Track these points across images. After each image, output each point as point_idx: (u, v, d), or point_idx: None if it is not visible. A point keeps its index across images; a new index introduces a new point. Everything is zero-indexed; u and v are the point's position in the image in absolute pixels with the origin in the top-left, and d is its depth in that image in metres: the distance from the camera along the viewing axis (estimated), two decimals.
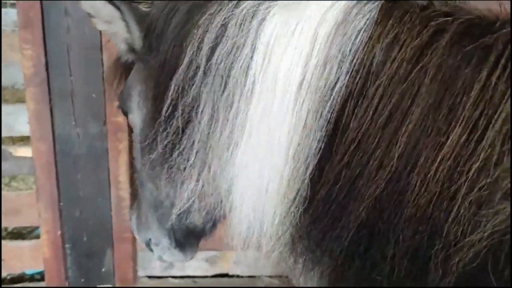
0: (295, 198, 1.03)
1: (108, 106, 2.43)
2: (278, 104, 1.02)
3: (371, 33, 0.96)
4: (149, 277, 3.07)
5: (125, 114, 1.52)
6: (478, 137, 0.85)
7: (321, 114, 0.98)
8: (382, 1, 1.00)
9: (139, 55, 1.32)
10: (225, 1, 1.09)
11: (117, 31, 1.32)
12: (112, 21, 1.29)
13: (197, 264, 3.05)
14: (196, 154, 1.15)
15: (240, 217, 1.14)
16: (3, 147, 2.76)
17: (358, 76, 0.95)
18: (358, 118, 0.94)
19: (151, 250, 1.67)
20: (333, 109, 0.97)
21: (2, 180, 3.88)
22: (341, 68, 0.96)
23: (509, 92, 0.84)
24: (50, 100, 2.40)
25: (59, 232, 2.67)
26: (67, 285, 2.82)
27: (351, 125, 0.95)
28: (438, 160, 0.87)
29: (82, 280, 2.81)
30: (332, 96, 0.97)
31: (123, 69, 1.50)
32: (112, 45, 2.29)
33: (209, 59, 1.08)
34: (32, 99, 2.37)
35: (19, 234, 3.24)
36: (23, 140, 3.18)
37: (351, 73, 0.95)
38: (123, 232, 2.74)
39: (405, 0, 1.01)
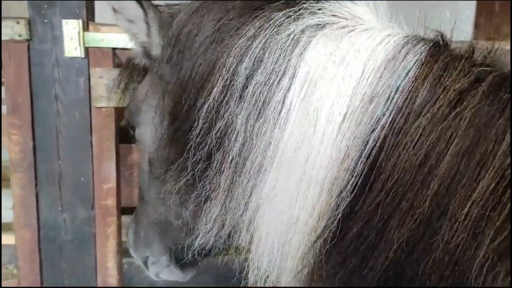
0: (322, 234, 0.99)
1: (97, 189, 2.35)
2: (319, 136, 0.99)
3: (418, 73, 0.97)
4: None
5: (132, 128, 1.50)
6: (504, 187, 0.85)
7: (362, 149, 0.97)
8: (431, 44, 1.03)
9: (156, 64, 1.29)
10: (263, 24, 1.06)
11: (137, 33, 1.29)
12: (135, 21, 1.27)
13: None
14: (225, 182, 1.11)
15: (263, 249, 1.08)
16: None
17: (401, 114, 0.95)
18: (396, 157, 0.93)
19: (146, 267, 1.65)
20: (374, 145, 0.96)
21: None
22: (387, 105, 0.96)
23: None
24: (36, 185, 2.32)
25: None
26: None
27: (388, 163, 0.94)
28: (468, 206, 0.86)
29: None
30: (375, 132, 0.96)
31: (134, 73, 1.50)
32: (102, 128, 2.28)
33: (246, 85, 1.05)
34: (18, 185, 2.29)
35: None
36: (6, 227, 3.04)
37: (395, 111, 0.96)
38: None
39: (450, 49, 1.05)
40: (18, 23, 2.15)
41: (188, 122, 1.13)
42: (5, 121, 2.26)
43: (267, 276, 1.10)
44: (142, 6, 1.24)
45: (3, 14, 2.18)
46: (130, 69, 1.54)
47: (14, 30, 2.15)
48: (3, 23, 2.15)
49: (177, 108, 1.17)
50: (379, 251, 0.93)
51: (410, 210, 0.90)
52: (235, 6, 1.12)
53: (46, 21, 2.16)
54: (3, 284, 2.66)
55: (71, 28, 2.14)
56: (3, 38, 2.16)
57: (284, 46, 1.03)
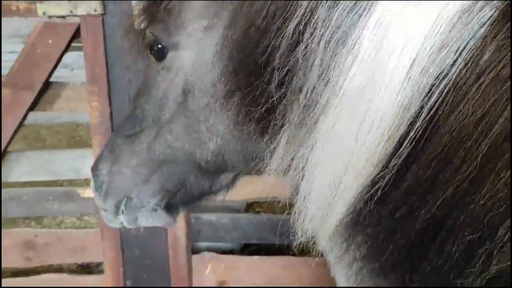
0: (376, 180, 1.00)
1: None
2: (386, 79, 0.98)
3: (489, 30, 0.95)
4: None
5: (160, 51, 1.30)
6: None
7: (426, 100, 0.96)
8: (505, 2, 0.98)
9: None
10: None
11: None
12: None
13: None
14: (297, 111, 1.08)
15: (312, 190, 1.09)
16: (72, 188, 3.00)
17: (466, 69, 0.94)
18: (456, 113, 0.94)
19: (116, 213, 1.49)
20: (438, 98, 0.95)
21: (72, 219, 4.21)
22: (455, 57, 0.95)
23: None
24: None
25: (121, 269, 2.82)
26: None
27: (449, 118, 0.94)
28: None
29: None
30: (441, 84, 0.95)
31: None
32: None
33: (333, 5, 1.01)
34: (98, 147, 2.57)
35: (88, 268, 3.45)
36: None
37: (462, 65, 0.95)
38: (180, 271, 2.85)
39: None
40: None
41: (264, 47, 1.08)
42: (86, 90, 2.52)
43: (311, 218, 1.11)
44: None
45: None
46: None
47: (91, 6, 2.36)
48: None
49: (250, 33, 1.10)
50: (425, 204, 0.96)
51: (460, 167, 0.92)
52: None
53: None
54: (89, 231, 3.04)
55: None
56: (81, 13, 2.38)
57: None
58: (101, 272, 3.08)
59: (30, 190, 3.02)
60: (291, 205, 1.27)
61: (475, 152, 0.91)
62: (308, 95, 1.05)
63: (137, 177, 1.44)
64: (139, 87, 1.47)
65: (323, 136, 1.04)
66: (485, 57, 0.93)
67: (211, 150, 1.34)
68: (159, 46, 1.30)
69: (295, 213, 1.15)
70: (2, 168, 2.72)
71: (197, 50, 1.26)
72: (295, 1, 1.04)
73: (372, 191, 1.01)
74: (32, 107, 2.60)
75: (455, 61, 0.94)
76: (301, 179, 1.11)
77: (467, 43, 0.94)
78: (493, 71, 0.92)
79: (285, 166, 1.16)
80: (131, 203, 1.48)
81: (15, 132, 2.61)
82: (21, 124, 2.61)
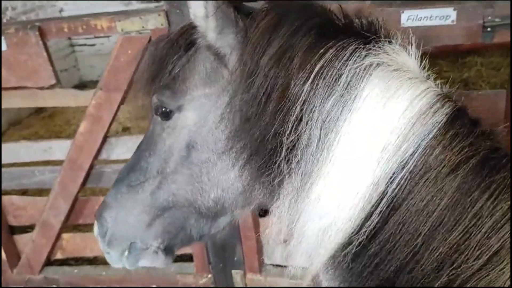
0: (351, 241, 1.23)
1: None
2: (361, 161, 1.19)
3: (439, 133, 1.17)
4: (273, 265, 3.70)
5: (165, 114, 1.45)
6: (469, 240, 1.15)
7: (389, 183, 1.18)
8: (454, 108, 1.20)
9: (217, 50, 1.36)
10: (339, 51, 1.22)
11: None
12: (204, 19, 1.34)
13: None
14: (298, 180, 1.25)
15: (303, 236, 1.27)
16: None
17: (419, 163, 1.17)
18: (409, 199, 1.19)
19: (120, 258, 1.65)
20: (399, 183, 1.18)
21: None
22: (414, 149, 1.17)
23: (493, 212, 1.14)
24: None
25: None
26: (209, 268, 3.63)
27: (404, 202, 1.19)
28: (443, 246, 1.17)
29: (221, 265, 3.58)
30: (401, 173, 1.17)
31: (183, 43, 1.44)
32: None
33: (325, 99, 1.20)
34: None
35: None
36: None
37: (417, 159, 1.17)
38: (248, 231, 3.40)
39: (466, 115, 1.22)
40: (159, 15, 2.78)
41: (268, 120, 1.24)
42: None
43: (301, 256, 1.32)
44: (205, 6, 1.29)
45: None
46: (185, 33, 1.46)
47: (158, 21, 2.79)
48: (151, 16, 2.80)
49: (253, 106, 1.25)
50: (384, 267, 1.22)
51: (408, 241, 1.20)
52: (314, 25, 1.27)
53: (178, 11, 2.73)
54: None
55: None
56: (151, 27, 2.82)
57: (357, 73, 1.21)
58: None
59: None
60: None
61: (420, 231, 1.18)
62: (307, 166, 1.23)
63: (141, 223, 1.59)
64: (140, 143, 1.66)
65: (313, 200, 1.25)
66: (433, 156, 1.17)
67: (212, 198, 1.48)
68: (165, 109, 1.47)
69: (289, 248, 1.34)
70: (105, 150, 3.41)
71: (200, 113, 1.42)
72: (292, 89, 1.22)
73: (348, 248, 1.23)
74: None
75: (413, 153, 1.17)
76: (295, 225, 1.28)
77: (422, 140, 1.17)
78: (436, 170, 1.17)
79: (285, 218, 1.31)
80: (135, 246, 1.64)
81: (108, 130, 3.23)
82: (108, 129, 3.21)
